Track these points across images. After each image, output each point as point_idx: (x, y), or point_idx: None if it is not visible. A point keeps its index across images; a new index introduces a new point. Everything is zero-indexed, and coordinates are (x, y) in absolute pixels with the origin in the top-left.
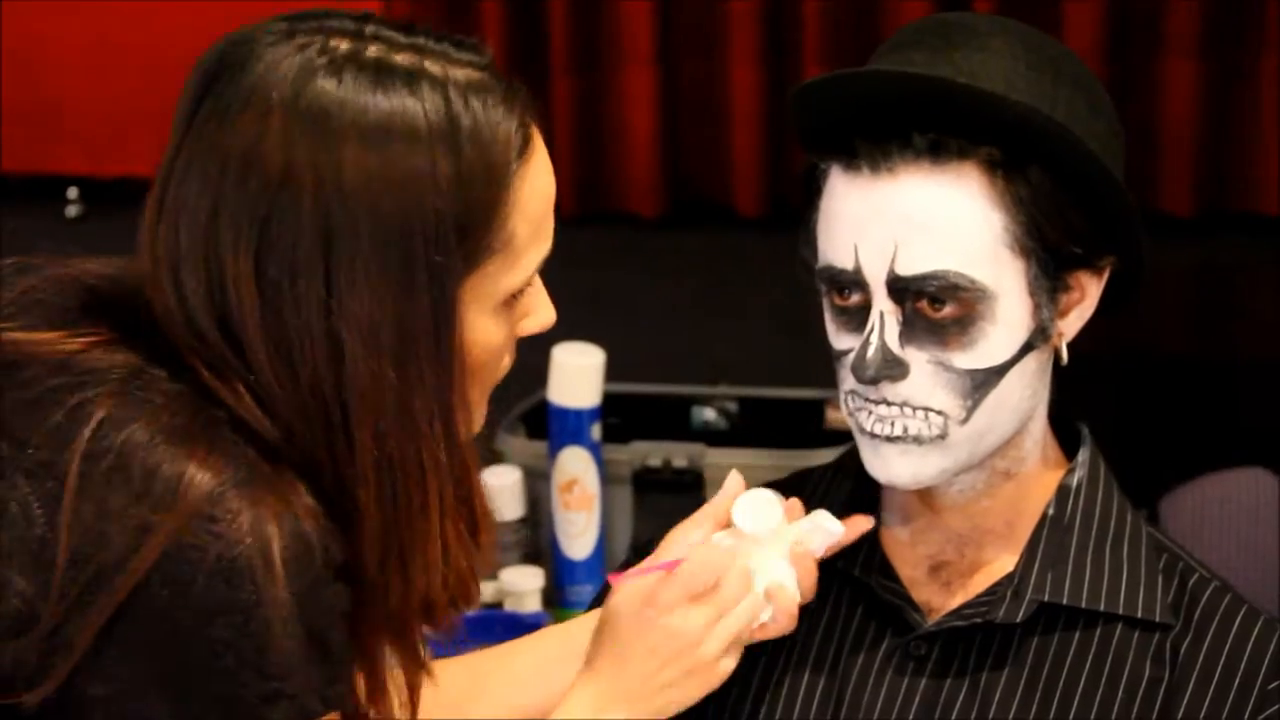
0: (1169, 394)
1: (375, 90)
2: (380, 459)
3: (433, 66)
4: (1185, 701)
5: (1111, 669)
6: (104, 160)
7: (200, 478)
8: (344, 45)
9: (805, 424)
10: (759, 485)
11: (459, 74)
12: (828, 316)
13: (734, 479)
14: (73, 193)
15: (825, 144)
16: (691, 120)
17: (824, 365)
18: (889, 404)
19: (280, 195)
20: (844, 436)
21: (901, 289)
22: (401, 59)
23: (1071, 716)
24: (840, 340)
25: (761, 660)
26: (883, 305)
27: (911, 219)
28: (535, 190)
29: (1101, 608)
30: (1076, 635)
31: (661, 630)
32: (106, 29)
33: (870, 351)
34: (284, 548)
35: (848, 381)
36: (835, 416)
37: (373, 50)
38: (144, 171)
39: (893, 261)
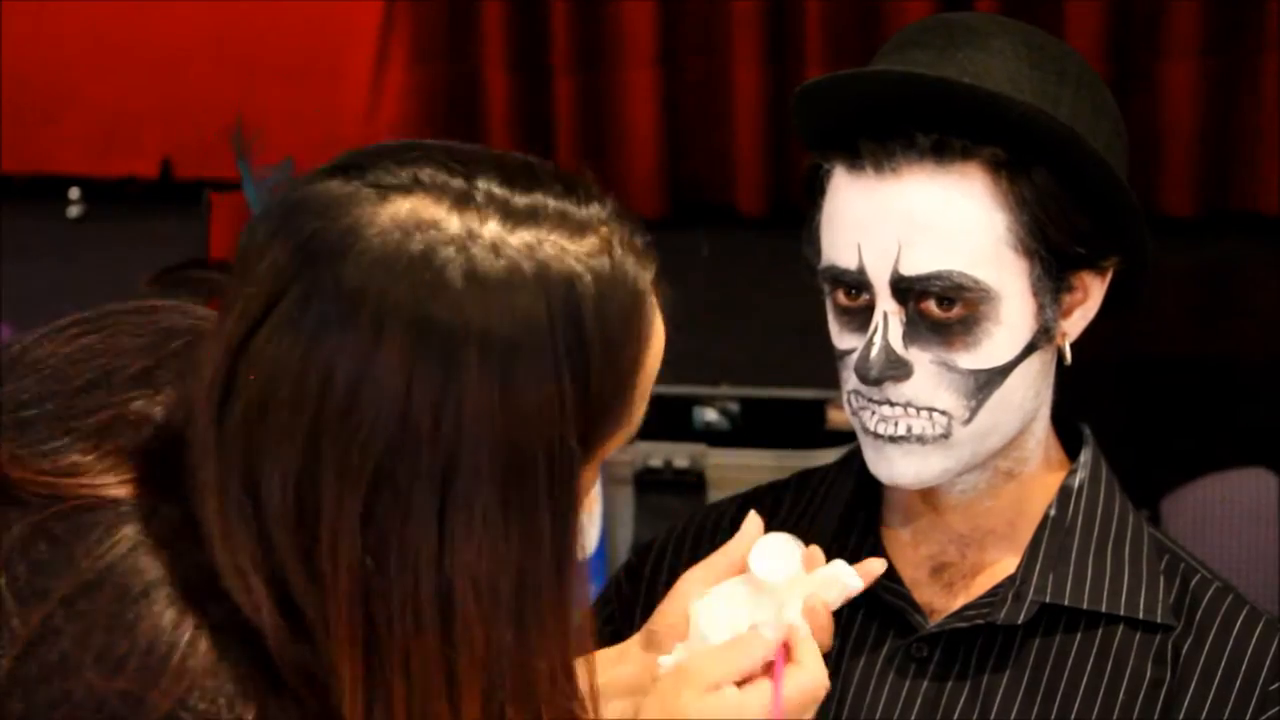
0: (1170, 394)
1: (498, 307)
2: None
3: (553, 249)
4: (1187, 703)
5: (1113, 670)
6: (104, 160)
7: (193, 651)
8: (454, 225)
9: (807, 424)
10: (771, 531)
11: (583, 249)
12: (830, 316)
13: (753, 521)
14: (73, 193)
15: (829, 144)
16: (693, 120)
17: (826, 366)
18: (892, 404)
19: (397, 433)
20: (846, 437)
21: (905, 289)
22: (519, 241)
23: (1073, 718)
24: (843, 340)
25: None
26: (886, 305)
27: (915, 219)
28: (654, 360)
29: (1103, 609)
30: (1078, 637)
31: None
32: (107, 29)
33: (874, 352)
34: None
35: (850, 381)
36: (837, 417)
37: (488, 233)
38: (144, 171)
39: (896, 262)
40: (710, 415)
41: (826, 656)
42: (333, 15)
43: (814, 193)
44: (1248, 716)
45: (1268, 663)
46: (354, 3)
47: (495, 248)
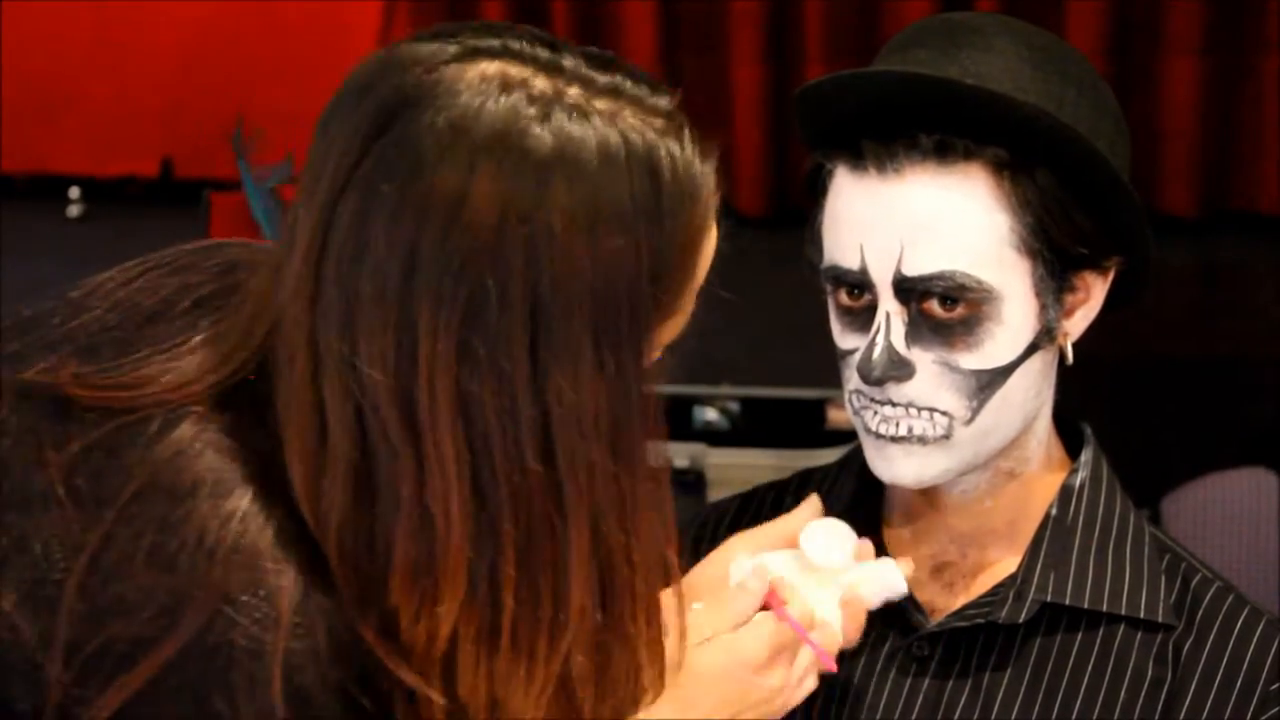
0: (1170, 394)
1: (583, 153)
2: (599, 556)
3: (633, 120)
4: (1187, 703)
5: (1114, 670)
6: (104, 160)
7: (238, 548)
8: (543, 85)
9: (807, 424)
10: (799, 523)
11: (659, 126)
12: (833, 316)
13: (813, 501)
14: (74, 192)
15: (831, 144)
16: (693, 119)
17: (826, 365)
18: (894, 404)
19: (489, 263)
20: (846, 436)
21: (908, 290)
22: (602, 106)
23: (1074, 717)
24: (845, 340)
25: None
26: (889, 306)
27: (918, 220)
28: (707, 256)
29: (1104, 608)
30: (1079, 636)
31: (753, 690)
32: (107, 28)
33: (876, 352)
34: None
35: (852, 381)
36: (837, 416)
37: (573, 94)
38: (144, 171)
39: (899, 262)
40: (710, 415)
41: (842, 654)
42: (333, 15)
43: (816, 192)
44: (1248, 716)
45: (1268, 663)
46: (354, 3)
47: (579, 109)
